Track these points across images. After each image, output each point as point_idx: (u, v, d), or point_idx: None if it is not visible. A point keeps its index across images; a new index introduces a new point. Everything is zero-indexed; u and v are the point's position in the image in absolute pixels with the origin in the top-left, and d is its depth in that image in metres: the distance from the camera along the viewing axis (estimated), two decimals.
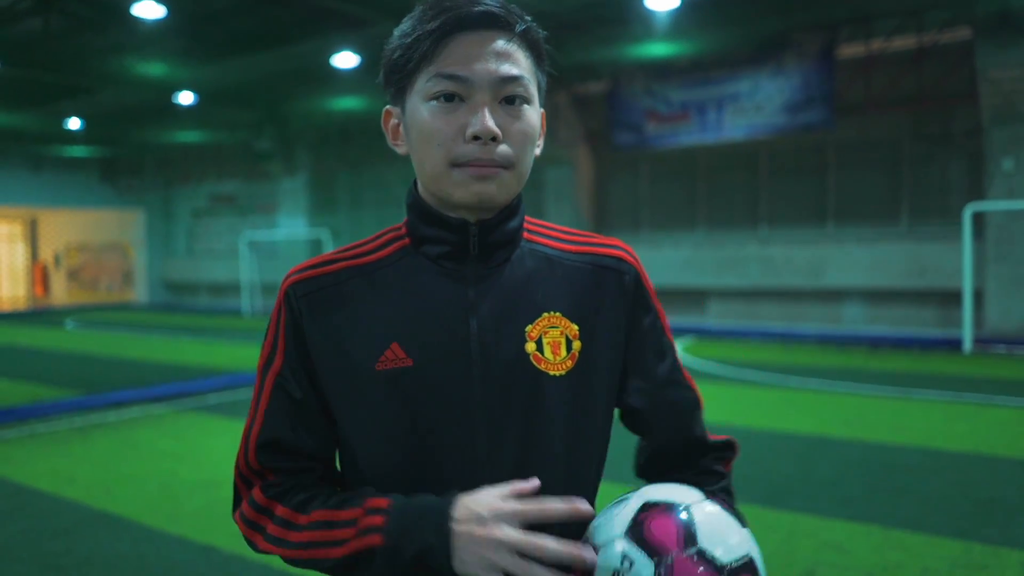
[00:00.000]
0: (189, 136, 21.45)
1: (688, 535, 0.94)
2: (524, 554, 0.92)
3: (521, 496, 0.97)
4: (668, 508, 0.98)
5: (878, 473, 5.25)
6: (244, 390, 9.00)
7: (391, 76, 1.07)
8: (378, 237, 1.15)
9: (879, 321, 13.83)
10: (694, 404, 1.21)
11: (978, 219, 11.81)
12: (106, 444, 6.59)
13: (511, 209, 1.10)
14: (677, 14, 11.47)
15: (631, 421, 1.21)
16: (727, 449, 1.22)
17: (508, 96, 1.02)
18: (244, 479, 1.11)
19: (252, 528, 1.09)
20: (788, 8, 12.00)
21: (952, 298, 12.51)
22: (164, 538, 4.33)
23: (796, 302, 14.65)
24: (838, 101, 13.17)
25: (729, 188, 15.67)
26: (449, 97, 1.01)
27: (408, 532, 0.96)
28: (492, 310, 1.07)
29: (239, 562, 3.97)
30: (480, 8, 1.01)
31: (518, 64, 1.03)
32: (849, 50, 13.41)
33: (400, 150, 1.11)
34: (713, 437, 1.22)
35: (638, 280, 1.15)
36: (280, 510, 1.06)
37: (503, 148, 1.02)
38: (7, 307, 26.70)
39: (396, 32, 1.07)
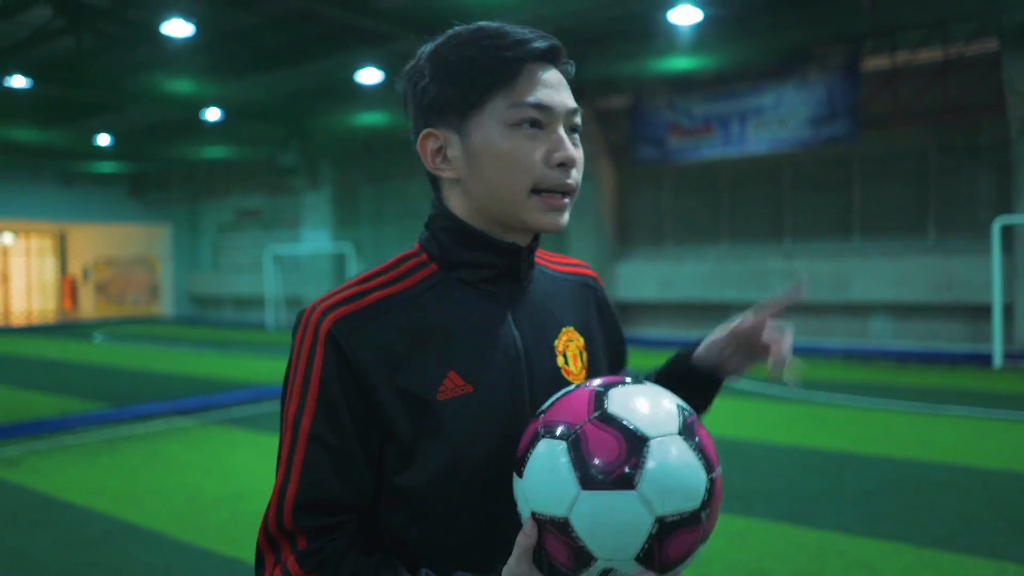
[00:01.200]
0: (215, 151, 21.75)
1: (598, 402, 0.95)
2: None
3: None
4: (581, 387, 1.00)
5: (908, 490, 5.17)
6: (268, 403, 9.06)
7: (450, 100, 1.05)
8: (397, 264, 1.11)
9: (906, 336, 13.65)
10: None
11: (1007, 232, 11.64)
12: (133, 456, 6.66)
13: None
14: (700, 28, 11.48)
15: None
16: None
17: (573, 126, 1.09)
18: (271, 541, 1.02)
19: None
20: (811, 21, 11.95)
21: (981, 312, 12.32)
22: (191, 551, 4.36)
23: (821, 316, 14.50)
24: (863, 114, 13.07)
25: (753, 202, 15.58)
26: (535, 123, 1.05)
27: None
28: (529, 328, 1.12)
29: None
30: (549, 42, 1.07)
31: (572, 96, 1.10)
32: (874, 62, 13.32)
33: (445, 174, 1.08)
34: None
35: (604, 296, 1.28)
36: None
37: (575, 174, 1.08)
38: (37, 320, 27.13)
39: (436, 59, 1.06)
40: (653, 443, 0.90)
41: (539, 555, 0.95)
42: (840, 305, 14.23)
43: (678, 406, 0.97)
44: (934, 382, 9.76)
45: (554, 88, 1.06)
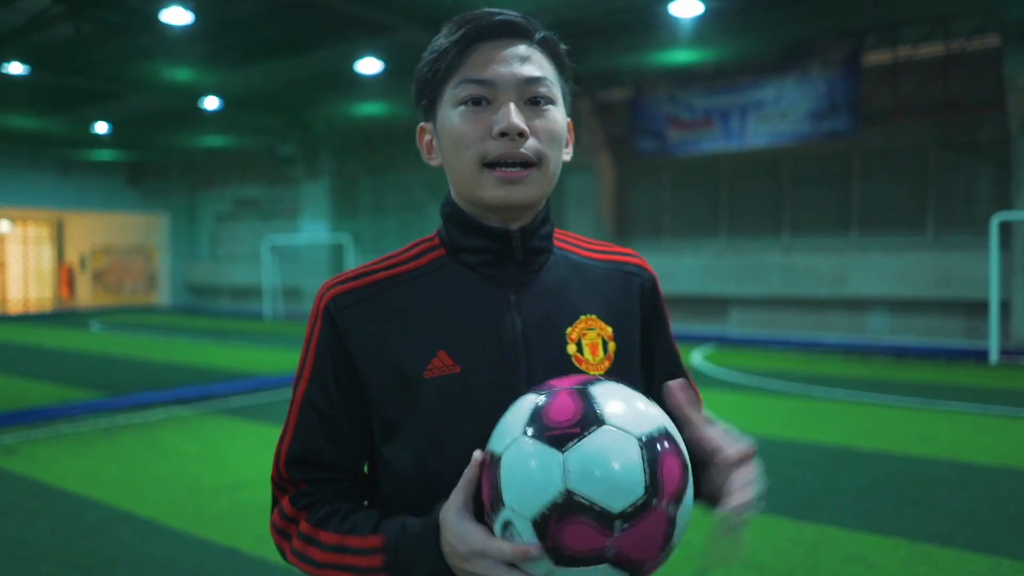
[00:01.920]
0: (214, 141, 21.70)
1: (588, 380, 0.97)
2: None
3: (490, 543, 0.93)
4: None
5: (905, 485, 5.19)
6: (266, 393, 9.07)
7: (422, 92, 1.11)
8: (410, 248, 1.17)
9: (904, 331, 13.67)
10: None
11: (1005, 229, 11.65)
12: (131, 445, 6.66)
13: (545, 215, 1.14)
14: (701, 21, 11.45)
15: None
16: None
17: (533, 97, 1.06)
18: (278, 486, 1.15)
19: (281, 537, 1.12)
20: (813, 15, 11.92)
21: (978, 308, 12.34)
22: (189, 540, 4.36)
23: (819, 311, 14.52)
24: (863, 109, 13.06)
25: (752, 196, 15.58)
26: (476, 101, 1.05)
27: (410, 564, 1.00)
28: (534, 314, 1.10)
29: (261, 565, 3.99)
30: (500, 17, 1.06)
31: (540, 67, 1.07)
32: (875, 57, 13.30)
33: (434, 163, 1.14)
34: None
35: (654, 286, 1.22)
36: (304, 525, 1.09)
37: (531, 143, 1.05)
38: (34, 308, 27.09)
39: (425, 52, 1.11)
40: (605, 428, 0.88)
41: (479, 499, 0.96)
42: (838, 300, 14.25)
43: (661, 426, 0.92)
44: (931, 378, 9.78)
45: (503, 62, 1.05)
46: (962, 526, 4.39)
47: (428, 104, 1.11)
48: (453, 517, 0.96)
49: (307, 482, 1.12)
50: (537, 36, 1.08)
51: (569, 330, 1.11)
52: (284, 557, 1.12)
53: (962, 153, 13.32)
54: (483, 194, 1.06)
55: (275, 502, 1.15)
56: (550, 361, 1.08)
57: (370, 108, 17.35)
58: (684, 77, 14.66)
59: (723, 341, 13.90)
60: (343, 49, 12.93)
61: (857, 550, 4.06)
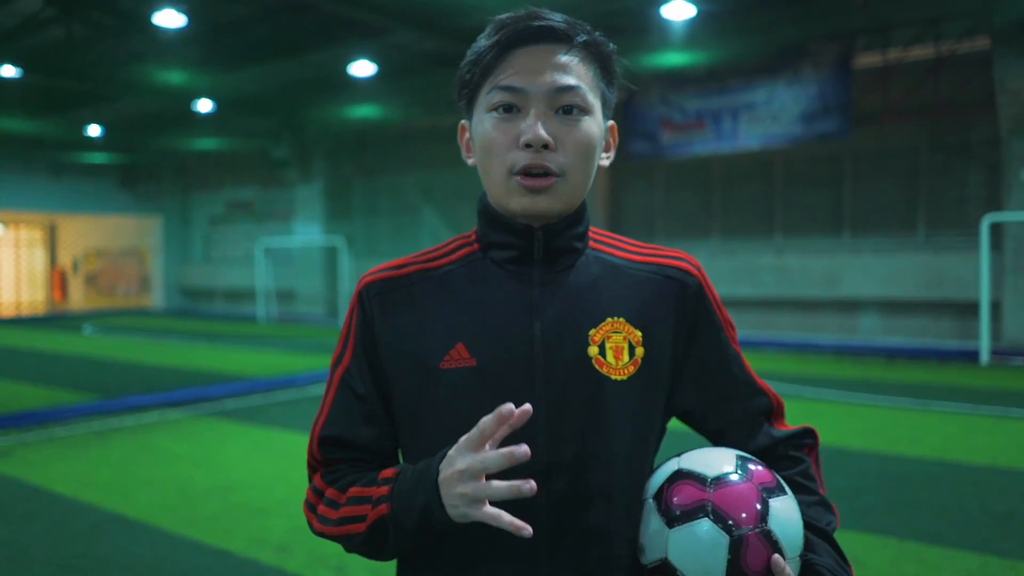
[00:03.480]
0: (207, 143, 21.66)
1: (763, 509, 1.02)
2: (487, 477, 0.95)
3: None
4: (694, 478, 1.05)
5: (895, 485, 5.22)
6: (259, 396, 9.06)
7: (461, 92, 1.12)
8: (448, 244, 1.19)
9: (895, 332, 13.73)
10: (763, 410, 1.20)
11: (996, 230, 11.72)
12: (123, 448, 6.65)
13: (576, 216, 1.13)
14: (693, 24, 11.49)
15: (701, 430, 1.22)
16: (804, 436, 1.21)
17: (565, 106, 1.05)
18: (311, 466, 1.18)
19: (310, 510, 1.15)
20: (805, 18, 11.98)
21: (969, 309, 12.40)
22: (180, 542, 4.37)
23: (812, 312, 14.57)
24: (855, 111, 13.13)
25: (744, 197, 15.64)
26: (508, 108, 1.06)
27: (409, 497, 1.01)
28: (556, 313, 1.09)
29: (253, 566, 3.99)
30: (539, 23, 1.05)
31: (576, 75, 1.06)
32: (866, 59, 13.37)
33: (470, 162, 1.16)
34: (785, 428, 1.21)
35: (700, 291, 1.17)
36: (330, 491, 1.12)
37: (557, 156, 1.05)
38: (26, 312, 26.99)
39: (468, 51, 1.11)
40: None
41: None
42: (831, 301, 14.30)
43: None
44: (923, 378, 9.83)
45: (536, 70, 1.04)
46: (951, 525, 4.42)
47: (466, 104, 1.13)
48: (452, 450, 0.98)
49: (340, 461, 1.15)
50: (578, 40, 1.07)
51: (593, 332, 1.09)
52: (312, 528, 1.14)
53: (953, 155, 13.40)
54: (509, 201, 1.08)
55: (309, 479, 1.18)
56: (568, 361, 1.08)
57: (363, 110, 17.35)
58: (676, 79, 14.71)
59: None
60: (336, 52, 12.93)
61: (846, 549, 4.05)
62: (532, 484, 0.94)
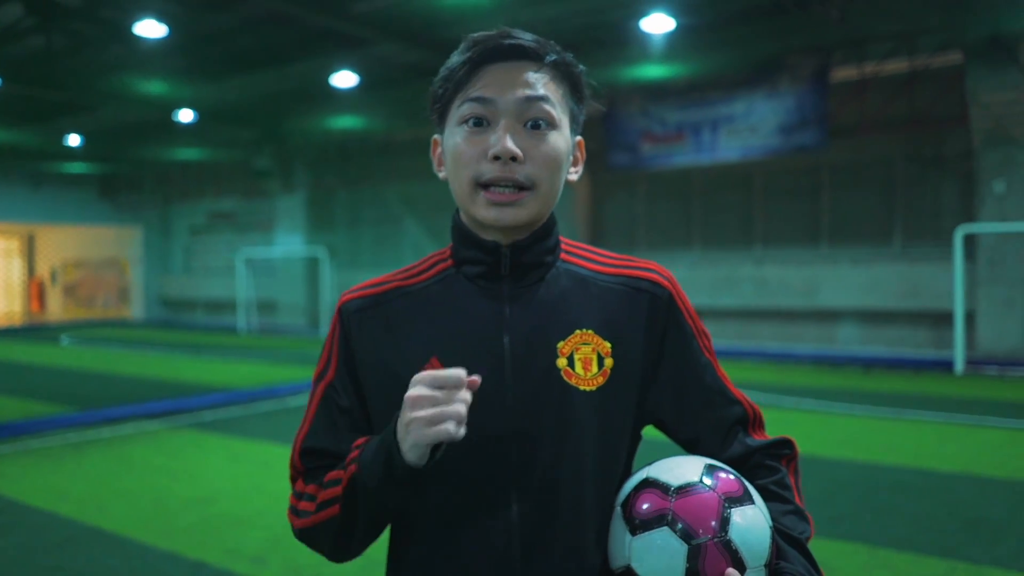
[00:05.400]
0: (188, 153, 21.57)
1: (723, 519, 1.04)
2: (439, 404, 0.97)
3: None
4: (657, 487, 1.07)
5: (867, 492, 5.29)
6: (239, 407, 9.02)
7: (434, 106, 1.15)
8: (426, 260, 1.22)
9: (873, 342, 13.88)
10: (738, 420, 1.20)
11: (970, 241, 11.90)
12: (100, 460, 6.60)
13: (544, 230, 1.16)
14: (673, 37, 11.62)
15: (675, 439, 1.23)
16: (781, 446, 1.21)
17: (533, 120, 1.08)
18: (292, 476, 1.21)
19: (293, 512, 1.17)
20: (782, 32, 12.14)
21: (945, 319, 12.57)
22: (155, 554, 4.35)
23: (791, 322, 14.71)
24: (832, 123, 13.30)
25: (724, 209, 15.78)
26: (478, 121, 1.08)
27: (374, 451, 1.03)
28: (525, 326, 1.12)
29: None
30: (511, 41, 1.08)
31: (545, 91, 1.09)
32: (842, 73, 13.56)
33: (441, 175, 1.18)
34: (763, 438, 1.21)
35: (671, 301, 1.18)
36: (310, 487, 1.14)
37: (525, 169, 1.07)
38: (3, 323, 26.67)
39: (442, 67, 1.14)
40: None
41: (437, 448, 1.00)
42: (809, 311, 14.44)
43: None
44: (898, 387, 9.95)
45: (506, 85, 1.07)
46: (920, 531, 4.48)
47: (438, 118, 1.15)
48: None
49: (314, 470, 1.17)
50: (548, 59, 1.09)
51: (561, 344, 1.11)
52: (295, 531, 1.16)
53: (928, 167, 13.60)
54: (475, 212, 1.10)
55: (292, 486, 1.20)
56: (537, 374, 1.10)
57: (345, 121, 17.36)
58: (656, 92, 14.85)
59: None
60: (318, 62, 12.95)
61: (818, 556, 4.09)
62: (477, 378, 0.98)
